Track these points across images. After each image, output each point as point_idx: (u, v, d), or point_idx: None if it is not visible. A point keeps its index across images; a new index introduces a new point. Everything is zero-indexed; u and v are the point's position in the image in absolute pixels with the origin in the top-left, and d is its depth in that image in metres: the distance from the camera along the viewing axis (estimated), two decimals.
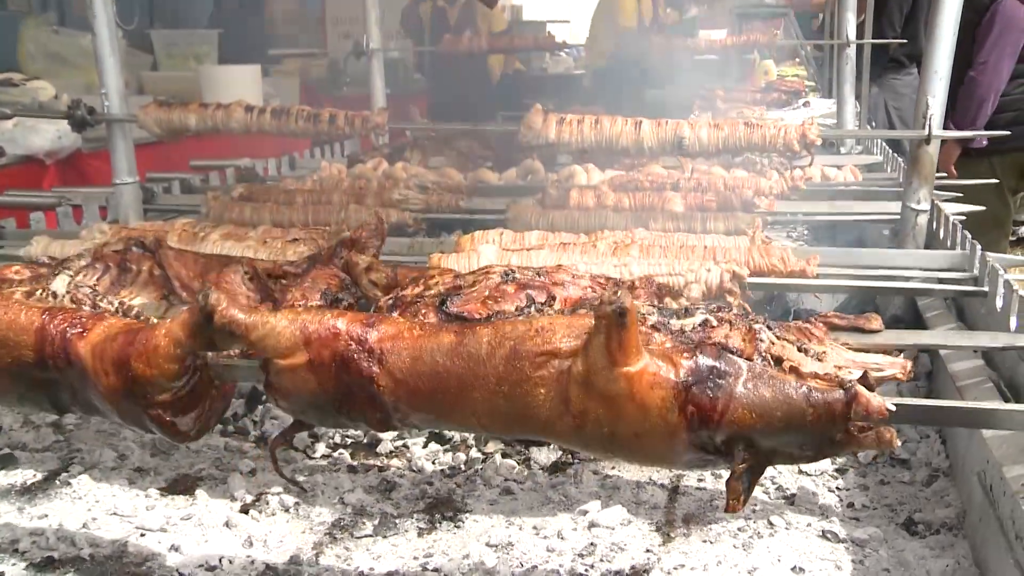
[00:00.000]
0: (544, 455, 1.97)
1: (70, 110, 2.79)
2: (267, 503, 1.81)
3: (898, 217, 2.59)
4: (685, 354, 1.08)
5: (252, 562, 1.62)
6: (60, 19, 7.12)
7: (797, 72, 8.48)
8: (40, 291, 1.47)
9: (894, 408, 1.08)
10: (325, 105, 8.25)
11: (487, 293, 1.31)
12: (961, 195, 2.98)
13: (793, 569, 1.56)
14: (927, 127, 2.39)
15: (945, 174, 3.38)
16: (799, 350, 1.12)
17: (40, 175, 4.75)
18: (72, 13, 7.40)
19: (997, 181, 4.81)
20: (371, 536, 1.71)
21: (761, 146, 2.50)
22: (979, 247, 2.16)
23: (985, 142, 5.00)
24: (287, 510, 1.80)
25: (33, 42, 5.96)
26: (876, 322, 1.38)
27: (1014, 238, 7.42)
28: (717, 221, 2.60)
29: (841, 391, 1.05)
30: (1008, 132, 3.02)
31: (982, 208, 2.84)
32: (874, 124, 5.94)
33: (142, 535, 1.71)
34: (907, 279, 2.16)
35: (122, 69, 2.87)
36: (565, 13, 13.58)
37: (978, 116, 5.13)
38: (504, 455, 1.98)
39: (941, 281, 2.15)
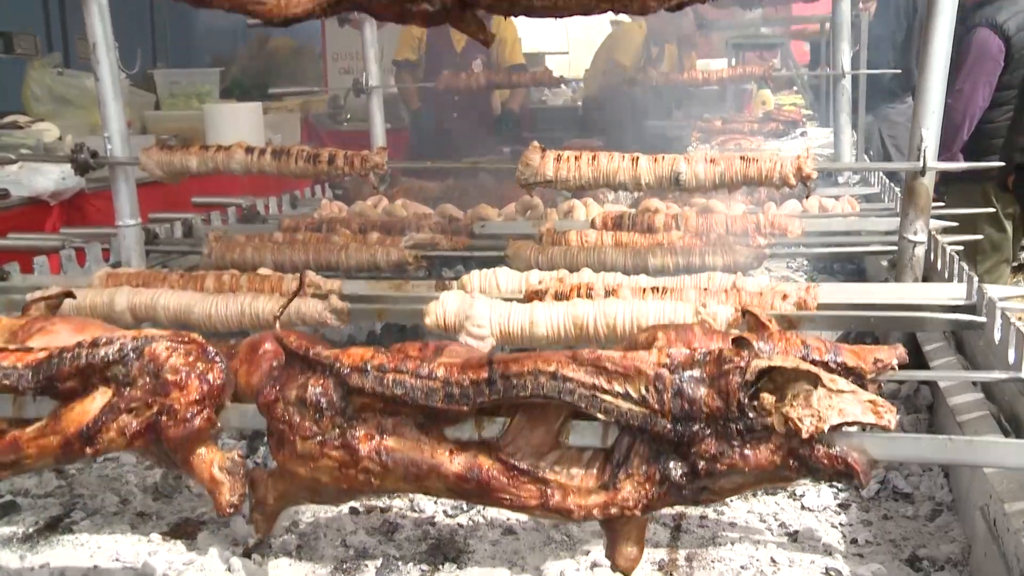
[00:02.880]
0: None
1: (73, 154, 2.82)
2: (270, 546, 1.81)
3: (896, 248, 2.60)
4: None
5: None
6: (65, 61, 7.21)
7: (795, 101, 8.55)
8: None
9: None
10: (326, 140, 8.28)
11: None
12: (957, 224, 3.00)
13: None
14: (921, 159, 2.41)
15: (943, 203, 3.40)
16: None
17: (44, 216, 4.79)
18: (76, 56, 7.50)
19: (994, 210, 4.88)
20: None
21: (757, 180, 2.52)
22: (976, 279, 2.16)
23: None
24: (290, 553, 1.80)
25: (38, 84, 6.03)
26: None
27: (1016, 264, 7.43)
28: (716, 256, 2.61)
29: None
30: (1002, 163, 3.04)
31: (979, 237, 2.85)
32: (870, 152, 5.99)
33: None
34: (906, 309, 2.16)
35: (125, 110, 2.91)
36: (564, 45, 13.68)
37: (954, 142, 5.27)
38: None
39: (941, 308, 2.15)
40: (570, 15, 2.48)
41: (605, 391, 1.10)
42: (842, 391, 1.07)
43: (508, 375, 1.15)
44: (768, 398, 1.06)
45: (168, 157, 2.85)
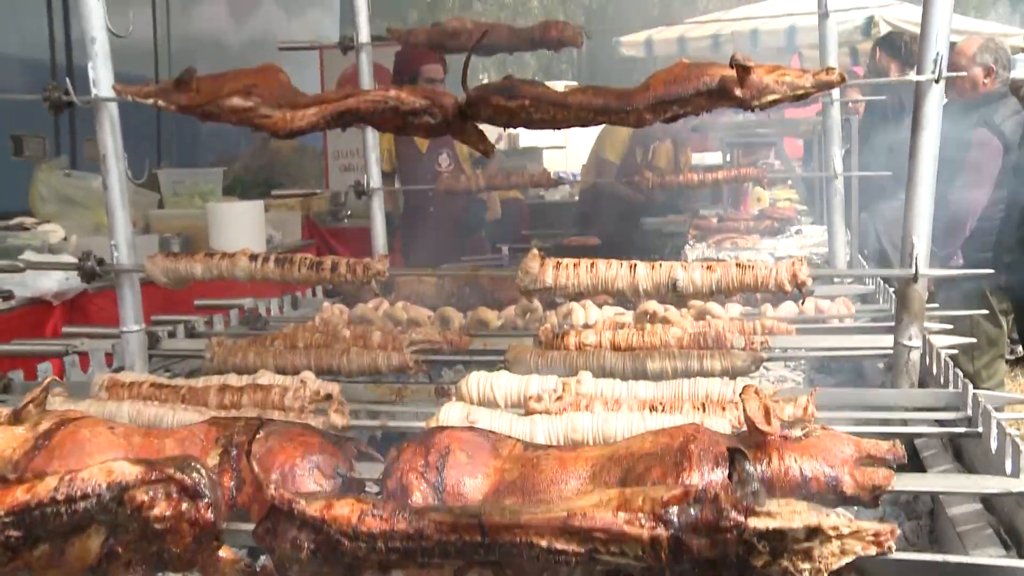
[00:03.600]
0: None
1: (80, 262, 2.87)
2: None
3: (891, 351, 2.63)
4: None
5: None
6: (72, 162, 7.36)
7: (789, 196, 8.70)
8: None
9: None
10: (327, 237, 8.31)
11: None
12: (951, 327, 3.04)
13: None
14: (914, 266, 2.46)
15: (937, 305, 3.45)
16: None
17: (46, 317, 4.84)
18: (83, 157, 7.66)
19: (987, 312, 4.98)
20: None
21: (753, 287, 2.56)
22: (971, 386, 2.19)
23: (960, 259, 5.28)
24: None
25: (45, 185, 6.15)
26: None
27: (1012, 357, 7.48)
28: (714, 360, 2.64)
29: None
30: (991, 270, 3.09)
31: (973, 340, 2.89)
32: (866, 252, 6.08)
33: None
34: (904, 422, 2.18)
35: (130, 211, 2.97)
36: (561, 139, 13.91)
37: (958, 238, 5.41)
38: None
39: (937, 422, 2.17)
40: (568, 127, 2.57)
41: (600, 553, 1.12)
42: (843, 535, 1.08)
43: (499, 543, 1.17)
44: (766, 553, 1.08)
45: (173, 264, 2.89)
